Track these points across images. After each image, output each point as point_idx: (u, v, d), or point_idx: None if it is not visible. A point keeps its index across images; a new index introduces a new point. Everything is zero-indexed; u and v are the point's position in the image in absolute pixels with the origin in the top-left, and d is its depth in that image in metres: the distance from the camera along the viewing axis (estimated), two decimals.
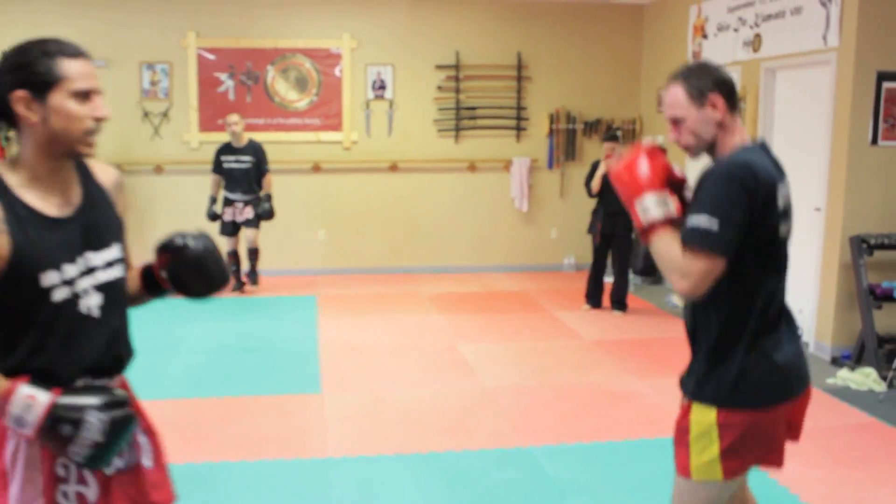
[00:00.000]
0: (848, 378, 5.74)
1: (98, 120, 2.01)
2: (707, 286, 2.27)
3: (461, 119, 9.68)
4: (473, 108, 9.69)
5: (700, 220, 2.25)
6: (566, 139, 9.86)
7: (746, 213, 2.25)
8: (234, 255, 8.56)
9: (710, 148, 2.44)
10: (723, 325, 2.38)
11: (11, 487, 1.91)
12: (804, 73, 6.77)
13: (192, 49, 9.18)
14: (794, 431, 2.60)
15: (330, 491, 3.97)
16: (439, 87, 9.62)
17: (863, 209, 6.22)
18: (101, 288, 2.01)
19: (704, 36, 8.21)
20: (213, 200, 8.43)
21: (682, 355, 5.72)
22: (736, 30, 7.57)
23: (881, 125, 6.14)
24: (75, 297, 1.94)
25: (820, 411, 5.23)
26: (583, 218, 8.03)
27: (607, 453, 4.50)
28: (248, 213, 8.38)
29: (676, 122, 2.44)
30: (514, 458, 4.43)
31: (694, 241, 2.25)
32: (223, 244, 8.51)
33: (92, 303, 1.98)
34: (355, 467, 4.28)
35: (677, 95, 2.42)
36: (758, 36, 7.19)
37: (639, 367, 6.12)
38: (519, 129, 9.79)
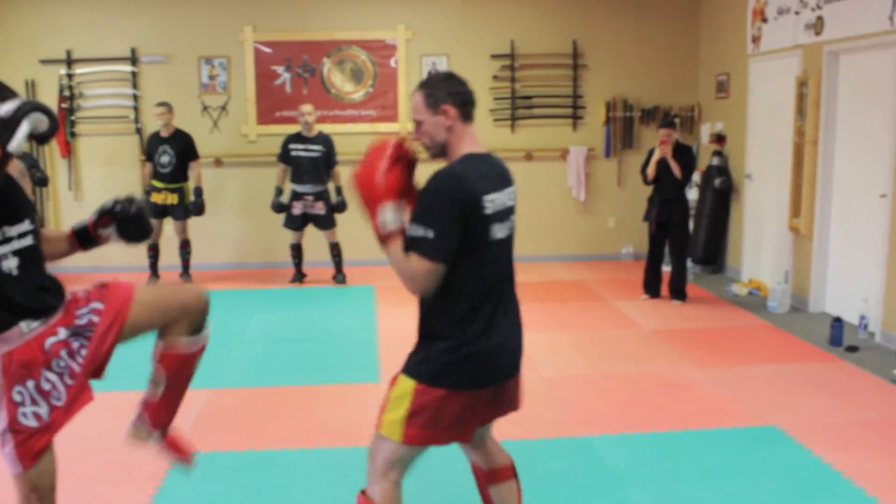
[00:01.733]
0: None
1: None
2: (431, 286, 2.59)
3: (517, 108, 9.65)
4: (529, 97, 9.64)
5: (418, 231, 2.54)
6: (623, 127, 9.77)
7: (457, 220, 2.53)
8: (296, 248, 8.64)
9: (444, 151, 2.73)
10: (432, 312, 2.71)
11: None
12: (869, 56, 6.60)
13: (248, 43, 9.29)
14: (509, 407, 2.90)
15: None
16: (495, 77, 9.59)
17: None
18: (17, 253, 2.56)
19: (764, 20, 8.05)
20: (279, 191, 8.45)
21: (742, 345, 5.62)
22: (797, 12, 7.41)
23: None
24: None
25: (887, 402, 5.12)
26: (641, 206, 7.95)
27: (666, 443, 4.46)
28: (320, 207, 8.40)
29: (417, 125, 2.73)
30: (573, 448, 4.41)
31: (415, 248, 2.54)
32: (288, 237, 8.63)
33: (12, 264, 2.54)
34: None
35: (417, 101, 2.70)
36: (820, 18, 7.03)
37: (698, 356, 6.05)
38: (575, 117, 9.72)
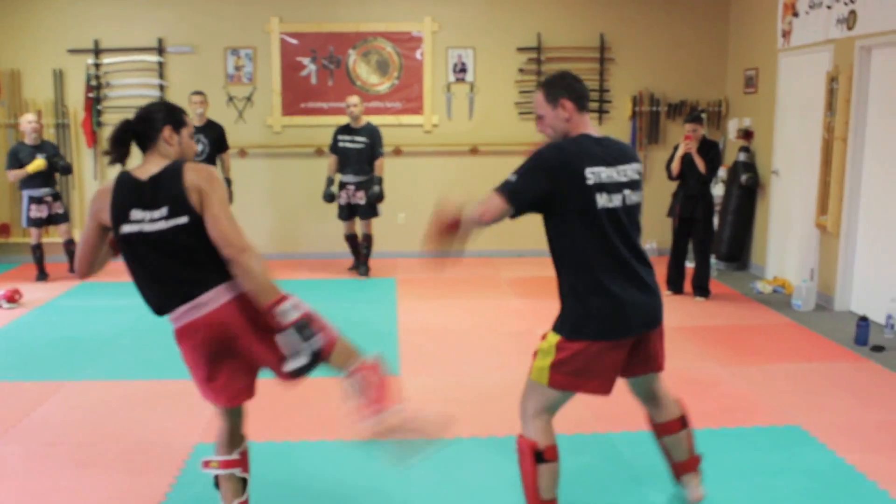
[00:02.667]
0: None
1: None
2: (493, 220, 3.14)
3: None
4: None
5: (510, 176, 3.11)
6: (649, 122, 9.70)
7: (545, 182, 3.05)
8: (352, 238, 8.74)
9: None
10: (565, 277, 3.21)
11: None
12: None
13: (275, 34, 9.30)
14: (651, 364, 3.42)
15: (408, 472, 3.99)
16: (521, 70, 9.55)
17: None
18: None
19: (795, 14, 7.95)
20: (331, 182, 8.50)
21: (766, 343, 5.57)
22: (829, 7, 7.31)
23: None
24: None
25: None
26: (665, 202, 7.89)
27: None
28: (361, 197, 8.46)
29: (539, 118, 3.24)
30: (592, 444, 4.39)
31: (498, 187, 3.10)
32: (343, 228, 8.68)
33: None
34: (433, 449, 4.29)
35: (538, 99, 3.21)
36: (853, 13, 6.93)
37: (720, 354, 6.00)
38: (601, 111, 9.66)
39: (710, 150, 7.42)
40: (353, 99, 8.38)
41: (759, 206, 8.88)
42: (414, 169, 9.58)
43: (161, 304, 3.07)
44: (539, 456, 3.21)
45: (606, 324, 3.13)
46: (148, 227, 2.95)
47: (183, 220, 2.93)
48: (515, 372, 5.58)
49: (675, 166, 7.46)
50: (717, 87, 9.75)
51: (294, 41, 9.34)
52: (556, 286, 3.27)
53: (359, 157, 8.36)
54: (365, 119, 8.52)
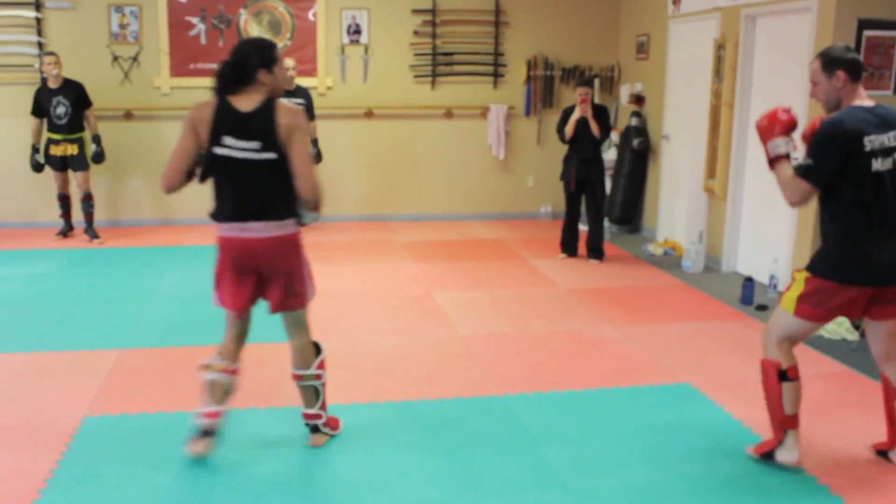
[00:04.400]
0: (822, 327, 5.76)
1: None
2: (802, 201, 3.50)
3: (438, 65, 9.55)
4: (450, 54, 9.55)
5: (806, 161, 3.47)
6: (544, 86, 9.76)
7: (835, 156, 3.40)
8: None
9: (838, 106, 3.52)
10: (829, 225, 3.56)
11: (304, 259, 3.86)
12: (785, 21, 6.70)
13: None
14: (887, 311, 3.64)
15: (304, 439, 3.95)
16: (415, 32, 9.46)
17: None
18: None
19: None
20: None
21: (657, 304, 5.71)
22: None
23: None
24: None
25: None
26: (560, 166, 7.97)
27: (582, 402, 4.50)
28: None
29: (814, 85, 3.58)
30: (490, 407, 4.42)
31: (799, 172, 3.47)
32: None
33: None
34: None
35: (815, 67, 3.56)
36: None
37: (614, 315, 6.12)
38: (496, 75, 9.67)
39: (602, 115, 7.53)
40: (290, 62, 8.24)
41: (650, 170, 9.06)
42: None
43: (228, 212, 3.57)
44: (783, 374, 3.62)
45: (857, 270, 3.48)
46: (238, 154, 3.47)
47: (271, 155, 3.47)
48: (412, 337, 5.59)
49: (570, 130, 7.54)
50: (609, 52, 9.87)
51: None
52: (821, 231, 3.64)
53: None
54: (293, 83, 8.40)
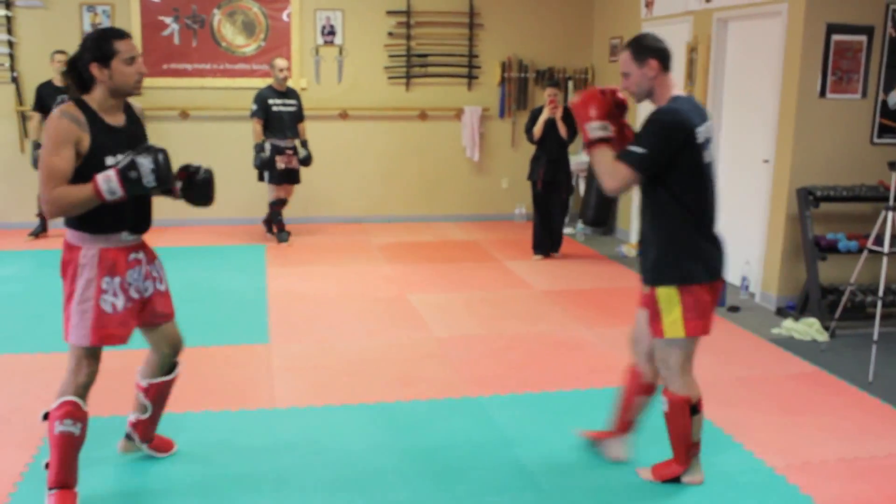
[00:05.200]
0: (792, 328, 5.83)
1: (141, 74, 3.24)
2: (622, 189, 3.33)
3: (412, 66, 9.55)
4: (425, 56, 9.56)
5: (635, 147, 3.29)
6: (518, 88, 9.79)
7: (669, 145, 3.26)
8: (284, 203, 8.55)
9: (650, 96, 3.44)
10: (662, 225, 3.38)
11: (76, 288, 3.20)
12: (755, 24, 6.76)
13: None
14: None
15: (277, 441, 3.94)
16: (390, 34, 9.46)
17: (810, 162, 6.27)
18: None
19: None
20: (261, 148, 8.21)
21: (630, 306, 5.75)
22: None
23: (829, 78, 6.16)
24: None
25: (764, 360, 5.31)
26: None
27: (555, 403, 4.52)
28: (296, 163, 8.39)
29: (625, 76, 3.44)
30: (463, 408, 4.43)
31: (625, 158, 3.29)
32: (273, 192, 8.47)
33: None
34: (302, 418, 4.24)
35: (625, 57, 3.41)
36: None
37: (588, 317, 6.15)
38: (471, 77, 9.68)
39: (570, 116, 7.58)
40: (283, 62, 8.23)
41: None
42: None
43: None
44: (694, 409, 3.49)
45: (712, 265, 3.40)
46: None
47: None
48: (385, 338, 5.59)
49: (538, 130, 7.61)
50: (583, 54, 9.92)
51: None
52: (651, 238, 3.44)
53: (292, 120, 8.31)
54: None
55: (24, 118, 8.79)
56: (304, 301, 6.43)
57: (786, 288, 6.44)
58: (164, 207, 8.84)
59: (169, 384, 3.66)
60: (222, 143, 9.09)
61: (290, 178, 8.39)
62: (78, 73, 3.18)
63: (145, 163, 3.06)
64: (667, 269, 3.37)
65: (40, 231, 8.51)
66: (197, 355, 5.13)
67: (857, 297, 5.85)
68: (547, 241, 8.01)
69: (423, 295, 6.64)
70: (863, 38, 6.15)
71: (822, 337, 5.68)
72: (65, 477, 3.25)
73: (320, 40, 9.35)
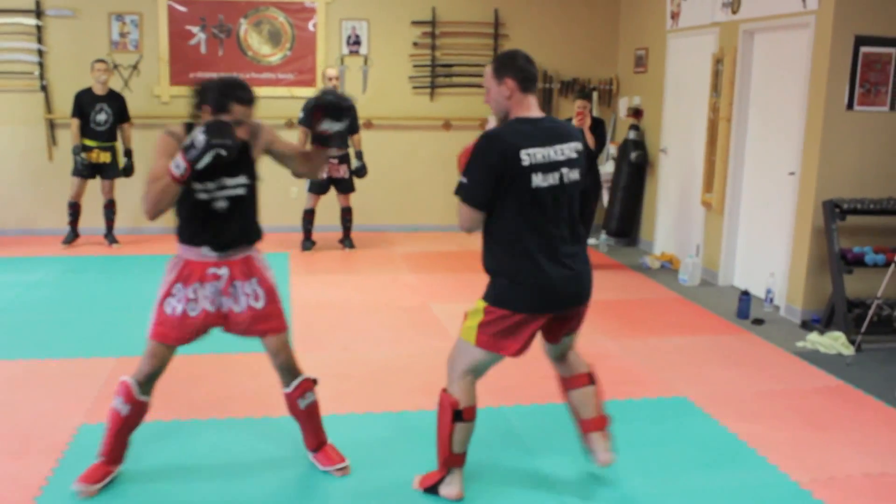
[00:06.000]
0: (817, 341, 5.78)
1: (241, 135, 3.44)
2: (472, 225, 3.30)
3: (437, 76, 9.58)
4: (449, 66, 9.58)
5: (461, 180, 3.25)
6: (542, 98, 9.78)
7: (490, 172, 3.16)
8: (312, 213, 8.61)
9: (506, 116, 3.33)
10: (493, 250, 3.33)
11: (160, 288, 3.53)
12: (782, 36, 6.74)
13: (162, 0, 8.98)
14: (568, 328, 3.60)
15: (299, 449, 3.95)
16: (415, 44, 9.50)
17: (837, 174, 6.23)
18: (229, 198, 3.48)
19: None
20: None
21: (654, 317, 5.71)
22: None
23: (857, 90, 6.12)
24: (212, 200, 3.43)
25: (789, 374, 5.27)
26: None
27: None
28: (344, 171, 8.40)
29: (487, 92, 3.36)
30: (486, 418, 4.40)
31: (458, 193, 3.28)
32: (308, 201, 8.57)
33: (222, 205, 3.46)
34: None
35: (487, 73, 3.33)
36: None
37: (611, 327, 6.13)
38: None
39: (598, 127, 7.56)
40: (333, 71, 8.23)
41: (648, 183, 9.09)
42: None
43: None
44: (458, 415, 3.38)
45: (533, 298, 3.28)
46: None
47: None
48: (409, 347, 5.60)
49: None
50: (608, 65, 9.91)
51: (182, 8, 9.04)
52: (483, 260, 3.42)
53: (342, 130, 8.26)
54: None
55: (52, 126, 8.90)
56: (328, 309, 6.45)
57: (811, 301, 6.39)
58: None
59: (290, 396, 3.72)
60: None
61: (327, 187, 8.42)
62: (197, 102, 3.52)
63: (198, 132, 3.21)
64: (490, 287, 3.35)
65: (72, 238, 8.58)
66: (220, 362, 5.16)
67: (883, 311, 5.80)
68: None
69: (447, 304, 6.65)
70: (892, 51, 6.11)
71: (848, 351, 5.63)
72: (108, 450, 3.52)
73: (346, 50, 9.40)
